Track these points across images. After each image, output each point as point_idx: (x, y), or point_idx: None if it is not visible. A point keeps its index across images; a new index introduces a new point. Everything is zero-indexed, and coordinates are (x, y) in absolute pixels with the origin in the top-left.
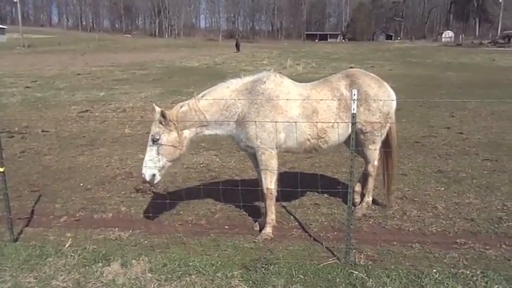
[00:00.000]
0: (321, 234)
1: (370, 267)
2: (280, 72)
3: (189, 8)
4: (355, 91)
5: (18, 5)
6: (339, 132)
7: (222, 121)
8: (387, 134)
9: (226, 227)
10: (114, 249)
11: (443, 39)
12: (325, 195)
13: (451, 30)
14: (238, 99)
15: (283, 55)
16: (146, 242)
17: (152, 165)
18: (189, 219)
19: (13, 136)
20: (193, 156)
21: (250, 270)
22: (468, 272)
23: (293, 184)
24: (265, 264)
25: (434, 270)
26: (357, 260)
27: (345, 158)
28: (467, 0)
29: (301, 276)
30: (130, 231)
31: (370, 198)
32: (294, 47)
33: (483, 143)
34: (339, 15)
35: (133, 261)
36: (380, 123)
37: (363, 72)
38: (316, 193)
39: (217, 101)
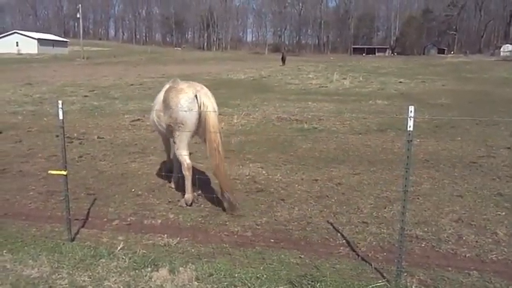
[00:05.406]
0: (369, 254)
1: None
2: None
3: (237, 22)
4: (411, 108)
5: (80, 20)
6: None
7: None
8: (205, 141)
9: (272, 240)
10: (162, 255)
11: (501, 54)
12: (374, 213)
13: (510, 43)
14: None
15: (329, 69)
16: (193, 250)
17: None
18: (235, 230)
19: (72, 141)
20: (239, 167)
21: (296, 286)
22: None
23: (341, 201)
24: (312, 281)
25: None
26: (408, 283)
27: (395, 176)
28: None
29: None
30: (178, 238)
31: (187, 194)
32: (341, 60)
33: None
34: (388, 29)
35: (180, 268)
36: (170, 125)
37: (174, 86)
38: (365, 211)
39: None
